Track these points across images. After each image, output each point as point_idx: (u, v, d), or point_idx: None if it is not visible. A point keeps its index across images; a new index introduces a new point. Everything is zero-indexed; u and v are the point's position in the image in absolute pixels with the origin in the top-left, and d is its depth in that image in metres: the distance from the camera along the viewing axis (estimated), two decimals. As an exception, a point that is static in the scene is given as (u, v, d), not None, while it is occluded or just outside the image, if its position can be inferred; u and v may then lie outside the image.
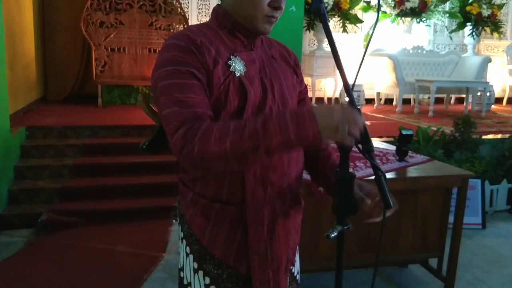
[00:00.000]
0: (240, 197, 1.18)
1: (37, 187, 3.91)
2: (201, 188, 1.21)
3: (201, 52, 1.12)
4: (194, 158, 1.02)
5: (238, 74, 1.15)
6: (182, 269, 1.30)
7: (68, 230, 3.53)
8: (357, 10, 7.21)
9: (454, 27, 7.81)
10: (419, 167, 2.70)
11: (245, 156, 1.01)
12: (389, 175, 2.52)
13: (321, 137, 0.98)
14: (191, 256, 1.25)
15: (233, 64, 1.16)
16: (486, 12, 7.47)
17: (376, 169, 1.05)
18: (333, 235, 1.10)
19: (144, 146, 1.37)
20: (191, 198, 1.22)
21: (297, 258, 1.39)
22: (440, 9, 7.40)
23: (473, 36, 7.64)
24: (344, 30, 6.94)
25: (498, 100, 8.10)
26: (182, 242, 1.28)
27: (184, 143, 1.02)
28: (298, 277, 1.41)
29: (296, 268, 1.39)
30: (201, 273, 1.24)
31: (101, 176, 4.09)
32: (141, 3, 6.10)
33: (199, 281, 1.24)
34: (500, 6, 7.80)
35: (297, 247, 1.37)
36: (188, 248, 1.26)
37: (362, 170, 2.44)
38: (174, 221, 3.75)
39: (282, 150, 1.02)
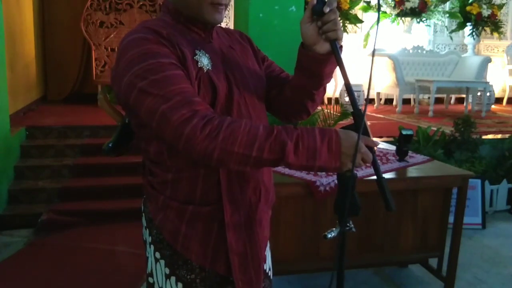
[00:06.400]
0: (215, 197, 1.15)
1: (37, 187, 3.91)
2: (171, 191, 1.16)
3: (172, 44, 1.07)
4: (211, 155, 0.99)
5: (206, 69, 1.12)
6: (151, 274, 1.26)
7: (68, 230, 3.52)
8: (357, 10, 7.20)
9: (454, 27, 7.80)
10: (419, 167, 2.70)
11: (263, 164, 1.03)
12: (389, 175, 2.53)
13: (340, 169, 1.04)
14: (162, 262, 1.21)
15: (200, 59, 1.12)
16: (486, 12, 7.46)
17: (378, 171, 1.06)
18: (330, 235, 1.10)
19: (108, 148, 1.27)
20: (162, 202, 1.18)
21: (268, 253, 1.35)
22: (440, 9, 7.40)
23: (473, 36, 7.63)
24: (344, 30, 6.93)
25: (498, 100, 8.10)
26: (150, 247, 1.25)
27: (204, 137, 0.97)
28: (270, 273, 1.37)
29: (267, 265, 1.35)
30: (173, 278, 1.20)
31: (101, 176, 4.09)
32: (141, 3, 6.10)
33: (171, 286, 1.20)
34: (500, 6, 7.79)
35: (268, 242, 1.34)
36: (158, 254, 1.22)
37: (362, 170, 2.44)
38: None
39: (298, 169, 1.04)
